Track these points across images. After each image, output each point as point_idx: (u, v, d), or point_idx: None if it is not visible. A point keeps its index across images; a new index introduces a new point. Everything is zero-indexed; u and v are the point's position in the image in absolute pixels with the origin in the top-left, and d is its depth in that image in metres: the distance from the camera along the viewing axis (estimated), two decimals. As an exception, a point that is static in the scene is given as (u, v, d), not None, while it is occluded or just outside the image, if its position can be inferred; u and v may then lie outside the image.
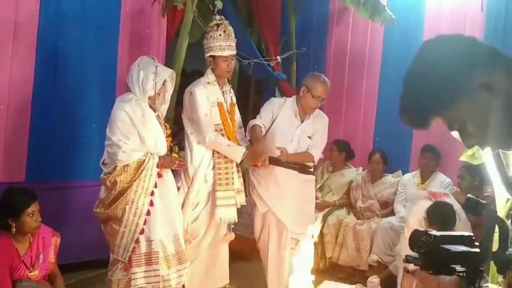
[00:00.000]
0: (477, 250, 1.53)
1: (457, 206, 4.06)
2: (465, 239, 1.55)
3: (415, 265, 1.60)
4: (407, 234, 3.96)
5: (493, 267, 3.37)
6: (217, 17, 3.75)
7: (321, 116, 4.16)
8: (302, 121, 4.05)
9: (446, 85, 1.35)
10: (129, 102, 3.31)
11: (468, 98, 1.35)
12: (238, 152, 3.67)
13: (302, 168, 3.96)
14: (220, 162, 3.69)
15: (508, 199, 3.13)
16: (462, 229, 3.57)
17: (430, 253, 1.52)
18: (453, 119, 1.41)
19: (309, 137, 4.04)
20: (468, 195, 1.69)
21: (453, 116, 1.40)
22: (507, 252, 1.54)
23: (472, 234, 1.61)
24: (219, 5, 3.87)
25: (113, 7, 4.59)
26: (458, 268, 1.50)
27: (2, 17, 3.93)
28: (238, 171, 3.82)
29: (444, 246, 1.51)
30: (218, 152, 3.71)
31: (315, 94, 3.93)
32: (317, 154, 4.05)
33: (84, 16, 4.39)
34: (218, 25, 3.69)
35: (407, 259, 1.62)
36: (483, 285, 3.57)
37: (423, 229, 1.59)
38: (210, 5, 3.82)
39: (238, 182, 3.78)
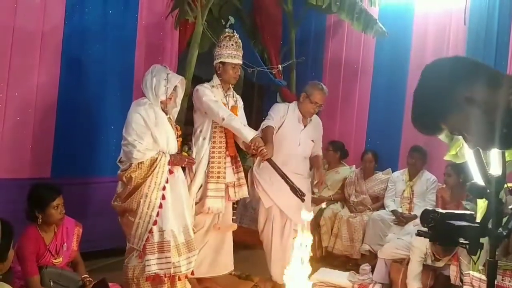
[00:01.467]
0: (477, 225, 1.66)
1: None
2: (466, 216, 1.70)
3: (424, 237, 1.75)
4: (414, 259, 3.93)
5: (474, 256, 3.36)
6: (230, 30, 3.80)
7: (318, 121, 4.23)
8: (304, 126, 4.09)
9: (443, 101, 1.47)
10: (143, 106, 3.31)
11: (459, 110, 1.48)
12: (251, 132, 3.58)
13: (296, 191, 3.63)
14: (214, 157, 3.67)
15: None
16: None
17: (437, 227, 1.68)
18: (452, 127, 1.53)
19: (312, 141, 4.13)
20: (473, 180, 1.77)
21: (452, 125, 1.52)
22: (498, 231, 1.66)
23: (473, 212, 1.75)
24: (232, 20, 3.90)
25: (130, 20, 4.59)
26: (461, 240, 1.65)
27: (31, 28, 3.94)
28: (237, 166, 3.80)
29: (449, 221, 1.66)
30: (213, 147, 3.68)
31: (313, 100, 3.97)
32: (321, 154, 4.35)
33: (105, 28, 4.39)
34: (230, 37, 3.71)
35: (419, 233, 1.76)
36: (465, 272, 3.56)
37: (432, 208, 1.74)
38: (223, 20, 3.84)
39: (231, 176, 3.74)
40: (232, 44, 3.69)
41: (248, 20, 5.85)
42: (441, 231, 1.68)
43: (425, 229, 1.74)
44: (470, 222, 1.68)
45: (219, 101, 3.66)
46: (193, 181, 3.68)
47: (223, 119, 3.55)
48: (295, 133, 4.03)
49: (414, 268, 3.89)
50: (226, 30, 3.81)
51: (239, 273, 4.23)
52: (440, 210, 1.72)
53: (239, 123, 3.61)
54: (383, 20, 5.17)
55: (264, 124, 3.96)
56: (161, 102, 3.36)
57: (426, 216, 1.71)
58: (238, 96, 3.93)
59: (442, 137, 3.71)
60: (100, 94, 4.39)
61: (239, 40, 3.76)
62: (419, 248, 3.84)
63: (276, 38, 5.88)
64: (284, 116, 4.04)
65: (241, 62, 3.78)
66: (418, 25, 5.30)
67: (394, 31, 5.20)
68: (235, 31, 3.82)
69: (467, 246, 1.66)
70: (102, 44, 4.38)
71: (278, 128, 4.00)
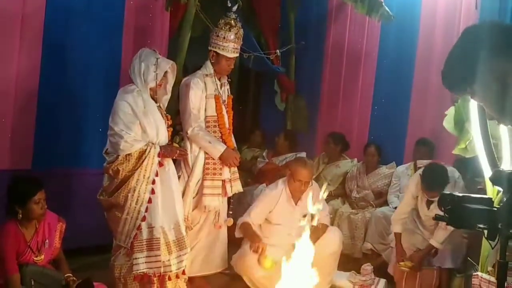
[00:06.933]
0: (494, 208, 1.73)
1: (454, 173, 4.31)
2: (484, 200, 1.77)
3: (442, 221, 1.82)
4: (405, 198, 4.17)
5: (483, 257, 3.39)
6: (233, 15, 3.71)
7: (314, 187, 3.91)
8: (296, 203, 3.87)
9: (470, 65, 1.56)
10: (131, 93, 3.30)
11: (481, 78, 1.56)
12: (216, 150, 3.67)
13: None
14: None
15: (498, 191, 3.13)
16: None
17: (454, 210, 1.76)
18: (473, 93, 1.61)
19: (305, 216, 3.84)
20: (496, 168, 1.84)
21: (474, 90, 1.60)
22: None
23: (491, 197, 1.85)
24: (238, 5, 3.81)
25: (117, 0, 4.56)
26: (479, 225, 1.73)
27: (10, 10, 3.91)
28: None
29: (466, 204, 1.74)
30: None
31: (297, 178, 3.79)
32: (328, 221, 4.09)
33: (89, 9, 4.37)
34: (231, 26, 3.66)
35: (436, 217, 1.87)
36: (473, 273, 3.60)
37: (449, 192, 1.84)
38: (229, 0, 3.76)
39: (227, 172, 3.77)
40: (231, 36, 3.65)
41: (243, 1, 5.83)
42: (458, 215, 1.76)
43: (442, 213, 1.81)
44: (488, 206, 1.74)
45: (199, 114, 3.67)
46: (190, 176, 3.70)
47: (188, 133, 3.65)
48: (287, 217, 3.79)
49: (402, 209, 4.11)
50: (230, 14, 3.69)
51: (233, 272, 4.25)
52: (458, 194, 1.79)
53: (204, 142, 3.66)
54: (389, 3, 5.16)
55: (240, 220, 3.85)
56: (150, 89, 3.36)
57: (444, 200, 1.80)
58: (227, 85, 3.93)
59: (451, 129, 3.73)
60: (84, 80, 4.38)
61: (241, 31, 3.71)
62: (413, 189, 4.02)
63: (274, 21, 5.87)
64: (274, 205, 3.86)
65: (237, 55, 3.77)
66: (426, 9, 5.29)
67: (400, 15, 5.19)
68: (238, 18, 3.73)
69: (486, 231, 1.72)
70: (87, 27, 4.35)
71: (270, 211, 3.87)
